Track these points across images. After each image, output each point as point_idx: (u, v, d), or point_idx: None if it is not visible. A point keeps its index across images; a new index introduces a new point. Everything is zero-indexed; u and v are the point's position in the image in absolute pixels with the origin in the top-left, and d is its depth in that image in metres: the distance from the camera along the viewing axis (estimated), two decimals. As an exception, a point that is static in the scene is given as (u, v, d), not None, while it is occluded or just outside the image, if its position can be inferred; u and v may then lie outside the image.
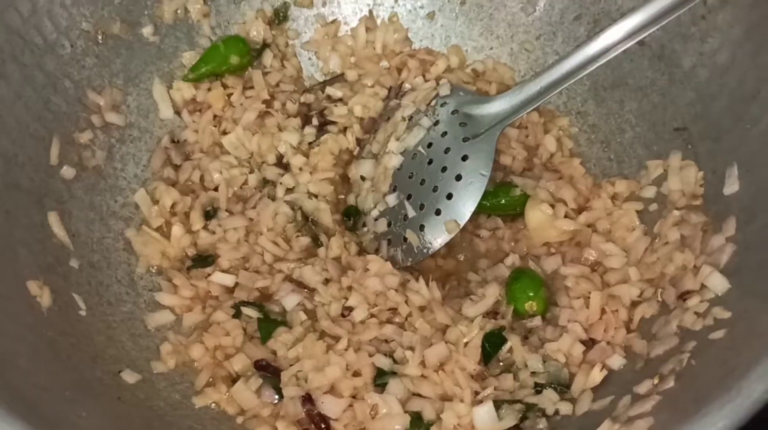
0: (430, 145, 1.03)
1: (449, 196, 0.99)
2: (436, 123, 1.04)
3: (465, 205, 0.99)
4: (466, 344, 0.89)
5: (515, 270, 0.98)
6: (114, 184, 1.05)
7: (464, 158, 1.00)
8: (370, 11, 1.20)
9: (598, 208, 1.01)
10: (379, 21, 1.20)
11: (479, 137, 1.00)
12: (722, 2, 0.92)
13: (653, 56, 1.00)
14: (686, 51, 0.97)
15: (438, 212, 1.00)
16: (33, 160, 0.95)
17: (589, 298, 0.93)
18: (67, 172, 0.99)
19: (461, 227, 0.99)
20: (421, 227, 1.00)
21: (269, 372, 0.90)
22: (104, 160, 1.04)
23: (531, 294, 0.94)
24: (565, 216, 1.01)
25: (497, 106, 1.01)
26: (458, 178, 0.99)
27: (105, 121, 1.05)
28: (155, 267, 1.02)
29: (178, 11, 1.11)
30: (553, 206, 1.01)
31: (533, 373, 0.88)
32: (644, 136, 1.03)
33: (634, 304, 0.91)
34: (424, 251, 1.00)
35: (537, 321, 0.93)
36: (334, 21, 1.19)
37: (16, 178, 0.92)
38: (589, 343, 0.90)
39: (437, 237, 1.00)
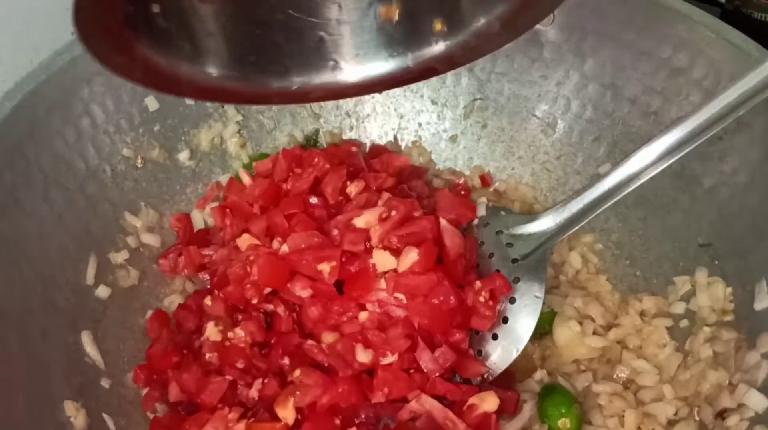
0: (477, 266, 1.02)
1: (505, 320, 0.97)
2: (481, 244, 1.04)
3: (522, 328, 0.96)
4: (501, 465, 0.87)
5: (545, 386, 0.97)
6: (146, 302, 1.07)
7: (516, 280, 0.98)
8: (395, 136, 1.25)
9: (626, 325, 1.01)
10: (403, 145, 1.25)
11: (528, 258, 0.99)
12: (738, 125, 0.95)
13: (674, 175, 1.03)
14: (706, 170, 1.00)
15: (495, 337, 0.97)
16: (70, 281, 0.98)
17: (623, 416, 0.91)
18: (102, 291, 1.01)
19: (520, 351, 0.96)
20: (479, 352, 0.98)
21: None
22: (138, 279, 1.06)
23: (563, 411, 0.93)
24: (594, 333, 1.02)
25: (543, 225, 1.00)
26: (512, 301, 0.97)
27: (141, 242, 1.08)
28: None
29: (215, 139, 1.16)
30: (581, 323, 1.02)
31: (571, 496, 0.86)
32: (670, 252, 1.04)
33: (671, 423, 0.90)
34: (485, 376, 0.97)
35: (572, 441, 0.91)
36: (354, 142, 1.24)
37: (53, 299, 0.94)
38: (628, 464, 0.88)
39: (496, 361, 0.97)
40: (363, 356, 0.91)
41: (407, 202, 0.98)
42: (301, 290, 0.95)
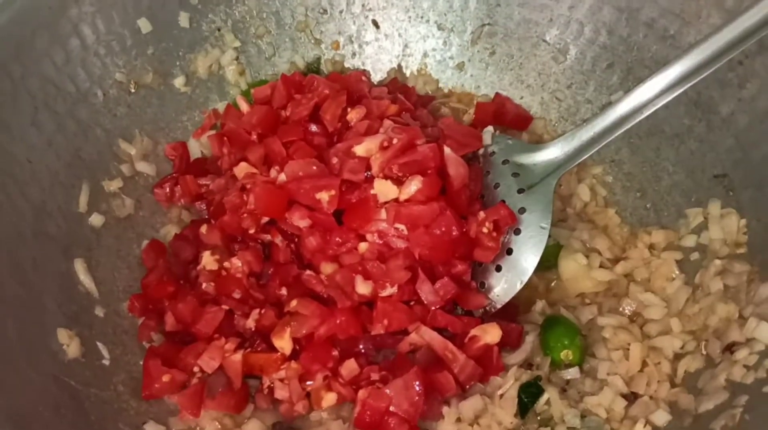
0: (481, 196, 0.99)
1: (509, 252, 0.94)
2: (486, 174, 1.00)
3: (526, 260, 0.93)
4: (501, 396, 0.85)
5: (548, 318, 0.95)
6: (141, 232, 1.04)
7: (521, 211, 0.94)
8: (399, 64, 1.20)
9: (635, 258, 0.98)
10: (408, 73, 1.20)
11: (534, 188, 0.95)
12: (759, 48, 0.90)
13: (689, 103, 0.99)
14: (724, 97, 0.95)
15: (498, 269, 0.94)
16: (62, 208, 0.95)
17: (628, 349, 0.89)
18: (96, 219, 0.99)
19: (524, 283, 0.93)
20: (482, 284, 0.95)
21: None
22: (133, 208, 1.04)
23: (566, 342, 0.91)
24: (601, 266, 0.99)
25: (550, 154, 0.96)
26: (517, 232, 0.94)
27: (135, 170, 1.05)
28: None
29: (212, 66, 1.12)
30: (587, 257, 0.99)
31: (570, 428, 0.84)
32: (682, 183, 1.00)
33: (677, 357, 0.88)
34: (487, 308, 0.94)
35: (574, 372, 0.89)
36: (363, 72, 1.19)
37: (44, 225, 0.92)
38: (631, 397, 0.86)
39: (499, 294, 0.94)
40: (363, 287, 0.89)
41: (410, 130, 0.94)
42: (300, 220, 0.92)
